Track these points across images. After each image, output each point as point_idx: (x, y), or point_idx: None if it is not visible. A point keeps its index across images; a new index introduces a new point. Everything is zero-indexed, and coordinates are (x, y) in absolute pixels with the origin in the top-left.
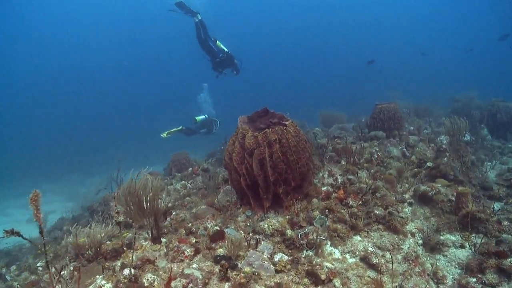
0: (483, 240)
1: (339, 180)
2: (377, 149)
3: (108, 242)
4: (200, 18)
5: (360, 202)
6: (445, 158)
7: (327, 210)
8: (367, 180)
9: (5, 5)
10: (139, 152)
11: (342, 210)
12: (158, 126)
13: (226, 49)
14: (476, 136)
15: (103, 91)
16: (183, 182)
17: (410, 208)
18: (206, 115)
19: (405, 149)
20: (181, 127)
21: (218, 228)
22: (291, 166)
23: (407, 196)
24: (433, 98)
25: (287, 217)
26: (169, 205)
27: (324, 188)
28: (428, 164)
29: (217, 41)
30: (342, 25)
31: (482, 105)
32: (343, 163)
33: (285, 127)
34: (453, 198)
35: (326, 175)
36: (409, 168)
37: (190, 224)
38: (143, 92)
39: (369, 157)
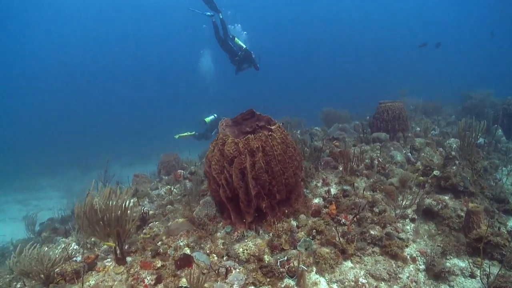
0: (499, 271)
1: (332, 192)
2: (379, 154)
3: (77, 259)
4: (221, 17)
5: (354, 219)
6: (454, 167)
7: (314, 231)
8: (364, 192)
9: (4, 2)
10: (139, 148)
11: (333, 228)
12: (161, 123)
13: (244, 46)
14: (489, 137)
15: (105, 87)
16: (168, 187)
17: (412, 225)
18: (215, 115)
19: (409, 154)
20: (194, 132)
21: (188, 251)
22: (275, 178)
23: (409, 211)
24: (444, 95)
25: (269, 235)
26: (150, 212)
27: (315, 201)
28: (435, 172)
29: (236, 38)
30: (350, 18)
31: (497, 103)
32: (341, 169)
33: (270, 133)
34: (463, 214)
35: (320, 184)
36: (413, 176)
37: (160, 242)
38: (146, 89)
39: (370, 162)
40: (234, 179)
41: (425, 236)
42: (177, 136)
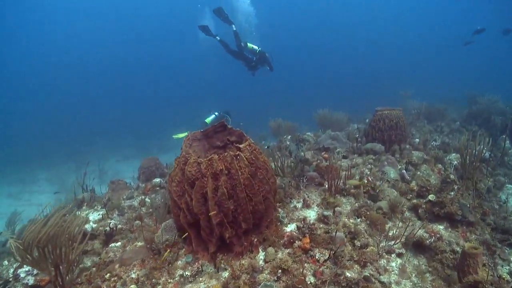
0: None
1: (312, 217)
2: (370, 170)
3: (29, 282)
4: (234, 28)
5: (330, 257)
6: (452, 192)
7: (280, 270)
8: (346, 220)
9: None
10: (139, 141)
11: (305, 265)
12: (162, 117)
13: (257, 48)
14: (495, 149)
15: (107, 81)
16: (142, 197)
17: (399, 261)
18: (216, 113)
19: (404, 171)
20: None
21: None
22: (241, 205)
23: (397, 242)
24: (451, 97)
25: (230, 273)
26: (119, 226)
27: (290, 228)
28: (430, 197)
29: (248, 44)
30: (356, 16)
31: (505, 110)
32: (327, 186)
33: (237, 153)
34: (458, 249)
35: (300, 205)
36: (404, 202)
37: (108, 274)
38: (148, 84)
39: (360, 178)
40: (194, 204)
41: (413, 275)
42: (175, 136)
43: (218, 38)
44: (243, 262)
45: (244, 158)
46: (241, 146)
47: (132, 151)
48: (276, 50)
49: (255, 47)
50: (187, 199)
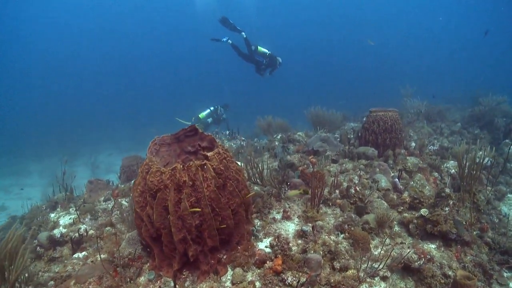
0: None
1: (290, 231)
2: (360, 177)
3: None
4: (245, 36)
5: (304, 279)
6: (447, 208)
7: None
8: (327, 237)
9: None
10: (135, 134)
11: None
12: (156, 114)
13: (267, 51)
14: (497, 155)
15: (101, 74)
16: (116, 200)
17: (383, 285)
18: (211, 108)
19: (397, 180)
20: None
21: None
22: (206, 221)
23: (382, 265)
24: (455, 96)
25: None
26: (91, 232)
27: (265, 243)
28: (423, 212)
29: (258, 47)
30: (357, 11)
31: (510, 112)
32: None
33: (203, 163)
34: (451, 273)
35: (279, 216)
36: (396, 213)
37: None
38: (142, 77)
39: (346, 189)
40: (155, 217)
41: None
42: (178, 119)
43: (230, 42)
44: (204, 286)
45: (211, 169)
46: (208, 154)
47: (128, 144)
48: (276, 47)
49: (265, 50)
50: (149, 211)
